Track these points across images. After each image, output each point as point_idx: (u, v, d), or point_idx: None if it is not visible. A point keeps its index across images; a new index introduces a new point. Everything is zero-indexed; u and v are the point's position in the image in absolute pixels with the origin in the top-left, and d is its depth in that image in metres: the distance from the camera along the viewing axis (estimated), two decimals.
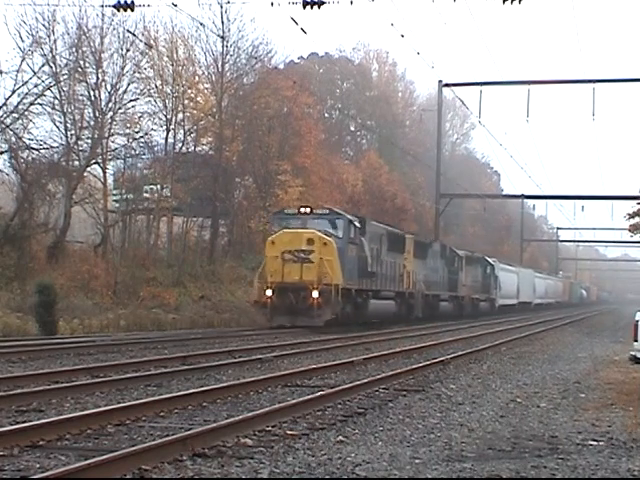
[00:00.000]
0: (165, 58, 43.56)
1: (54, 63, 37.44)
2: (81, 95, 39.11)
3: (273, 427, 9.66)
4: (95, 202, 38.61)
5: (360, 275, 31.82)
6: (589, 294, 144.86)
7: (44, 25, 37.17)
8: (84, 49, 38.83)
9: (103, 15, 38.17)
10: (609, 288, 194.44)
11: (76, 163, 38.09)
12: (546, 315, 64.68)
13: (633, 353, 14.15)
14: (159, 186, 41.10)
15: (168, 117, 42.98)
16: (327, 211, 32.00)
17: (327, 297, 29.06)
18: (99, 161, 39.01)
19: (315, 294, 28.98)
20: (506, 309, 65.91)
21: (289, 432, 9.40)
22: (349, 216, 32.08)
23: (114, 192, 41.23)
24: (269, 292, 29.43)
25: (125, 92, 40.25)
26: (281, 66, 52.56)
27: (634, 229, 59.10)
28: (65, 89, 38.15)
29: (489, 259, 60.99)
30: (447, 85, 53.81)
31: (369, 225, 34.20)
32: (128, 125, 41.12)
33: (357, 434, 9.58)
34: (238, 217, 45.97)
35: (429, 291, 42.94)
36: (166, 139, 42.97)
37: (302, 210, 31.43)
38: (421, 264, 42.03)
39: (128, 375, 14.38)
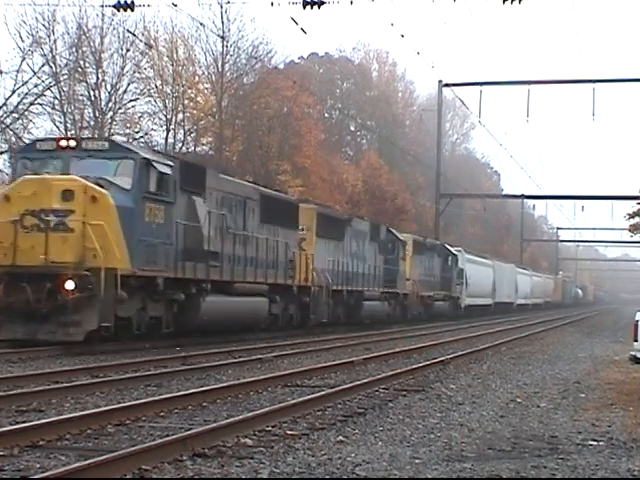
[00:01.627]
0: (165, 58, 43.66)
1: (54, 63, 37.54)
2: (81, 95, 39.22)
3: (273, 427, 9.66)
4: None
5: (184, 256, 20.50)
6: (585, 294, 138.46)
7: (44, 25, 37.32)
8: (84, 49, 38.93)
9: (103, 15, 38.33)
10: (608, 287, 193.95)
11: None
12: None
13: (633, 353, 14.14)
14: None
15: (168, 117, 43.05)
16: (106, 145, 19.77)
17: (93, 292, 17.73)
18: None
19: (70, 285, 17.66)
20: (476, 311, 55.58)
21: (289, 432, 9.40)
22: (147, 154, 20.02)
23: None
24: None
25: (125, 92, 40.39)
26: (281, 66, 52.66)
27: (634, 229, 59.14)
28: (65, 89, 38.24)
29: (450, 248, 49.80)
30: (447, 85, 53.88)
31: (214, 178, 22.68)
32: (128, 125, 41.22)
33: (357, 434, 9.57)
34: None
35: (346, 286, 31.84)
36: (166, 139, 43.04)
37: (63, 143, 19.52)
38: (332, 248, 30.86)
39: (128, 375, 14.37)
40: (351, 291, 32.52)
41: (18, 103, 35.61)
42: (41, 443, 8.41)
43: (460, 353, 21.03)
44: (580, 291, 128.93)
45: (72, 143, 19.49)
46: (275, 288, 25.83)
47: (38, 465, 7.55)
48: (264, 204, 25.12)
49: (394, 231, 39.27)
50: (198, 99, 46.39)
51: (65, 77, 38.37)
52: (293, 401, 11.42)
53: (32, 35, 37.05)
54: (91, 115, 39.38)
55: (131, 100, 41.07)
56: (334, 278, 30.66)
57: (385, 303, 36.82)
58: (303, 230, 28.55)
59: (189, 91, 45.17)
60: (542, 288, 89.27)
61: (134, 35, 38.13)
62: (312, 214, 29.43)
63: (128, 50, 39.69)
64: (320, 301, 29.36)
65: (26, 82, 36.30)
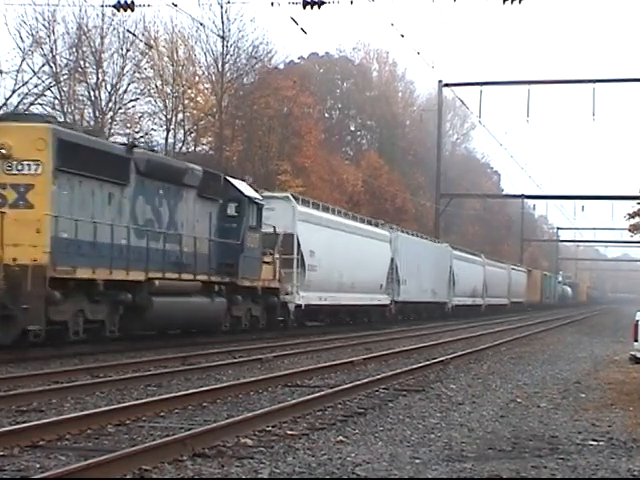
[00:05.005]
0: (165, 58, 43.66)
1: (54, 63, 37.56)
2: (81, 95, 39.23)
3: (273, 427, 9.66)
4: None
5: None
6: (576, 293, 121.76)
7: (44, 25, 37.35)
8: (84, 49, 38.95)
9: (103, 15, 38.34)
10: (608, 286, 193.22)
11: None
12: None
13: (633, 353, 14.14)
14: None
15: (168, 117, 43.06)
16: None
17: None
18: None
19: None
20: (343, 315, 34.10)
21: (289, 432, 9.40)
22: None
23: None
24: None
25: (125, 92, 40.40)
26: (281, 66, 52.61)
27: (634, 229, 59.21)
28: (65, 89, 38.25)
29: (240, 184, 25.20)
30: (447, 85, 53.95)
31: None
32: (128, 125, 41.23)
33: (357, 434, 9.57)
34: None
35: None
36: (166, 139, 43.02)
37: None
38: None
39: (128, 375, 14.38)
40: None
41: (18, 103, 35.58)
42: (41, 443, 8.41)
43: (460, 353, 21.02)
44: (569, 289, 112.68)
45: None
46: None
47: (38, 465, 7.55)
48: None
49: None
50: (198, 99, 46.40)
51: (65, 77, 38.38)
52: (293, 401, 11.41)
53: (32, 35, 37.10)
54: (91, 115, 39.40)
55: (131, 100, 41.11)
56: None
57: None
58: None
59: (189, 91, 45.17)
60: (505, 283, 67.40)
61: (134, 35, 38.16)
62: None
63: (128, 50, 39.73)
64: None
65: (26, 82, 36.33)
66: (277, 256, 26.75)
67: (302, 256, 29.00)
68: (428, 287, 44.32)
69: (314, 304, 30.07)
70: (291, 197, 29.61)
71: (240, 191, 24.68)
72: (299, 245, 28.81)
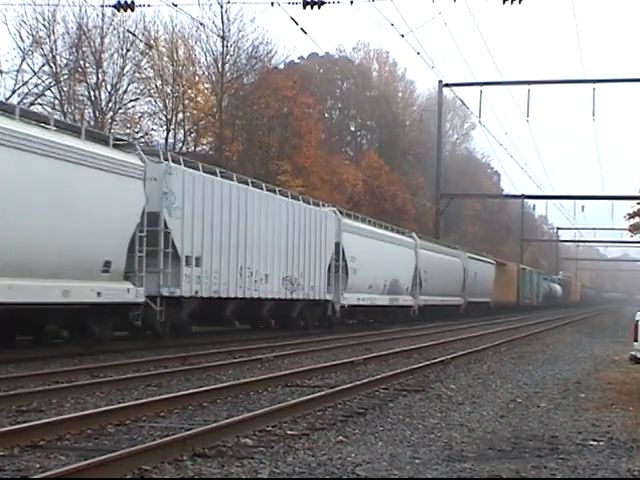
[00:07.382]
0: (165, 58, 43.65)
1: (54, 63, 37.57)
2: (81, 95, 39.23)
3: (273, 427, 9.66)
4: None
5: None
6: (567, 292, 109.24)
7: (44, 25, 37.35)
8: (84, 49, 38.95)
9: (103, 15, 38.35)
10: (608, 286, 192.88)
11: None
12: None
13: (633, 353, 14.14)
14: None
15: (168, 117, 43.05)
16: None
17: None
18: None
19: None
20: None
21: (289, 432, 9.40)
22: None
23: None
24: None
25: (125, 92, 40.39)
26: (281, 66, 52.57)
27: (634, 229, 59.26)
28: (65, 89, 38.25)
29: None
30: (447, 85, 53.95)
31: None
32: (128, 125, 41.21)
33: (357, 434, 9.57)
34: None
35: None
36: (166, 139, 43.01)
37: None
38: None
39: (128, 375, 14.38)
40: None
41: (18, 103, 35.58)
42: (41, 443, 8.41)
43: (460, 353, 21.01)
44: (558, 288, 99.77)
45: None
46: None
47: (38, 465, 7.55)
48: None
49: None
50: (198, 99, 46.39)
51: (65, 77, 38.39)
52: (293, 401, 11.41)
53: (32, 35, 37.11)
54: (91, 115, 39.40)
55: (131, 100, 41.11)
56: None
57: None
58: None
59: (189, 91, 45.17)
60: (458, 277, 50.21)
61: (134, 35, 38.18)
62: None
63: (128, 50, 39.74)
64: None
65: (26, 82, 36.34)
66: None
67: None
68: (276, 275, 26.69)
69: None
70: None
71: None
72: None
